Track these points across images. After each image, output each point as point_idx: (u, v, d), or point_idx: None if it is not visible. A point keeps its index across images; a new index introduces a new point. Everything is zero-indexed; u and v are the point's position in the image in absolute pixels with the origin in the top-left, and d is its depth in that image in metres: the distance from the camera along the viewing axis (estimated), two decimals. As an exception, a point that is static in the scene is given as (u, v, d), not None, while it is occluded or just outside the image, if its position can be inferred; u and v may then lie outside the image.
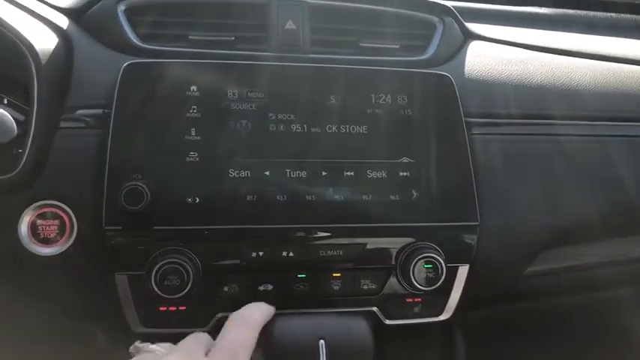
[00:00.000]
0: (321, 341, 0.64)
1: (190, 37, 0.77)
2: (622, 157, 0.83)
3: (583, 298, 0.94)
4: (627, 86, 0.89)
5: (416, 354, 0.87)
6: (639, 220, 0.85)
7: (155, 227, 0.66)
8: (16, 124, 0.66)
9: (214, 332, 0.68)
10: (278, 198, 0.68)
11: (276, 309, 0.69)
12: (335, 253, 0.70)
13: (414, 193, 0.72)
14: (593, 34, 1.06)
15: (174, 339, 0.58)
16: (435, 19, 0.85)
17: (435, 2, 0.85)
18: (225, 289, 0.68)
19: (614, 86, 0.88)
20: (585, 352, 1.03)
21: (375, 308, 0.73)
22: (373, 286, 0.72)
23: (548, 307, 0.95)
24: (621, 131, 0.86)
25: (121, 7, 0.76)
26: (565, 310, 0.97)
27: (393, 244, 0.71)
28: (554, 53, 0.92)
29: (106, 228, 0.65)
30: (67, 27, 0.74)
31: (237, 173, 0.68)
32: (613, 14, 1.15)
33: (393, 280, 0.72)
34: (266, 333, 0.63)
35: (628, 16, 1.14)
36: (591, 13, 1.14)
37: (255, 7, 0.79)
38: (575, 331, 1.01)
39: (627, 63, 0.94)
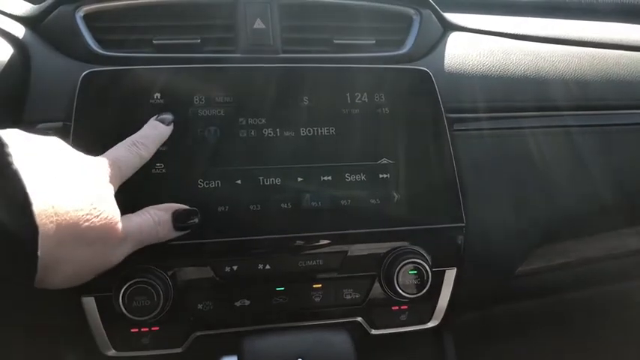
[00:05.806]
0: None
1: (154, 41, 0.73)
2: (613, 148, 0.80)
3: (575, 296, 0.92)
4: (615, 73, 0.86)
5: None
6: (630, 213, 0.82)
7: None
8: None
9: (191, 352, 0.66)
10: (251, 208, 0.65)
11: (255, 324, 0.67)
12: (314, 263, 0.66)
13: (396, 195, 0.68)
14: (577, 19, 1.02)
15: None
16: (412, 11, 0.82)
17: (410, -7, 0.81)
18: (200, 306, 0.65)
19: (600, 74, 0.85)
20: (581, 348, 1.01)
21: (359, 318, 0.70)
22: (356, 296, 0.69)
23: (540, 307, 0.92)
24: (611, 120, 0.83)
25: (80, 14, 0.72)
26: (558, 309, 0.95)
27: (376, 250, 0.68)
28: (537, 41, 0.89)
29: None
30: (24, 36, 0.71)
31: (206, 183, 0.65)
32: (596, -1, 1.12)
33: (377, 288, 0.69)
34: (240, 353, 0.60)
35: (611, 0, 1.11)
36: (575, -1, 1.11)
37: (221, 7, 0.75)
38: (568, 329, 0.99)
39: (614, 48, 0.91)
